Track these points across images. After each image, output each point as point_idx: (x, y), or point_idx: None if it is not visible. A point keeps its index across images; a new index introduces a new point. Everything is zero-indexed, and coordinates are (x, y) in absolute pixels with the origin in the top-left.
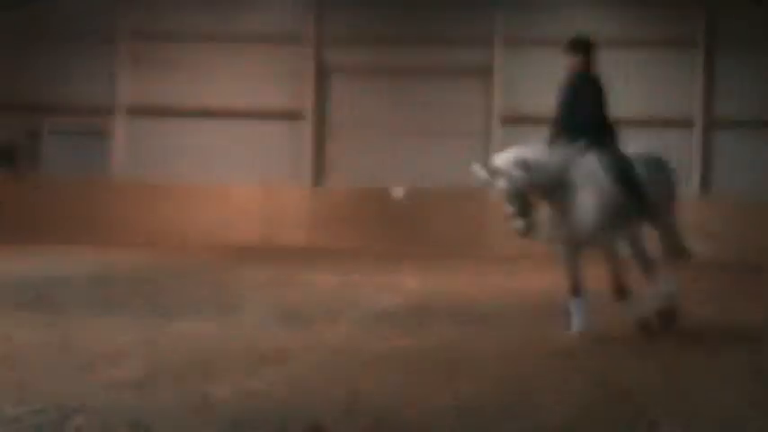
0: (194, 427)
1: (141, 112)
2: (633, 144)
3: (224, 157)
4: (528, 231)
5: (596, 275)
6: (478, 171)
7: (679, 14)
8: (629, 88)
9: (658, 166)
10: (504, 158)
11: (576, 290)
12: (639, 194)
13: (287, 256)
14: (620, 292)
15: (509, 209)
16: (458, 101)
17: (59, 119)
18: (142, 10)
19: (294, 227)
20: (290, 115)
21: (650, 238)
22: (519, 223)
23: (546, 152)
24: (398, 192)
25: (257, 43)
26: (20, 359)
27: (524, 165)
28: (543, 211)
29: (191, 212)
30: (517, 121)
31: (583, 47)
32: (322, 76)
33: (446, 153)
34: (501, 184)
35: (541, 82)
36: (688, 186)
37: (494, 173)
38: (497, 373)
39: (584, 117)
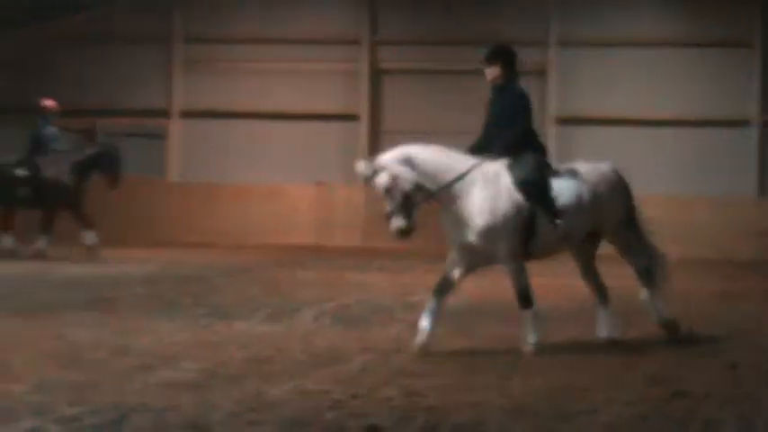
0: (250, 427)
1: (196, 114)
2: (688, 145)
3: (279, 159)
4: (405, 232)
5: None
6: (361, 165)
7: (735, 15)
8: (685, 88)
9: (610, 184)
10: (389, 154)
11: (440, 290)
12: (553, 212)
13: (341, 256)
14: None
15: (387, 206)
16: None
17: (114, 121)
18: (197, 13)
19: (348, 227)
20: (345, 116)
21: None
22: (395, 222)
23: (442, 153)
24: None
25: (312, 45)
26: (76, 359)
27: (409, 161)
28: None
29: (245, 213)
30: (572, 122)
31: (496, 58)
32: (376, 78)
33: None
34: (381, 179)
35: (596, 83)
36: (744, 187)
37: (376, 168)
38: (551, 374)
39: (495, 131)
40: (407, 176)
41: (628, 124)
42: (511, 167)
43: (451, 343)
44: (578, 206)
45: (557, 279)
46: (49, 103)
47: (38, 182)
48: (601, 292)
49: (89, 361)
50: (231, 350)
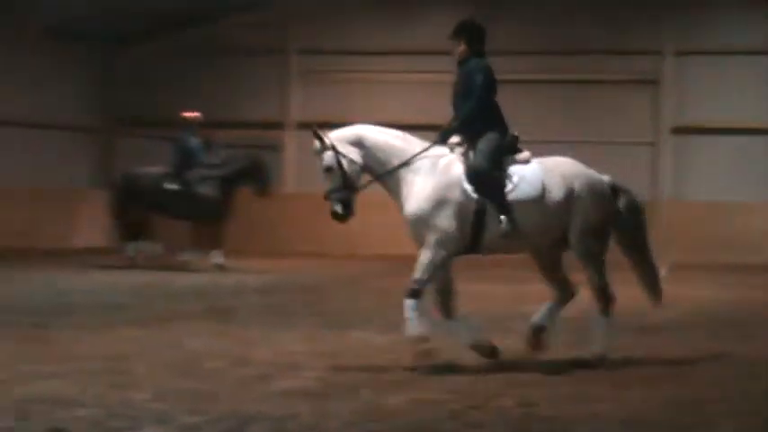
0: None
1: (310, 125)
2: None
3: None
4: (343, 215)
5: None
6: (316, 141)
7: None
8: None
9: (588, 184)
10: (341, 132)
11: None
12: (500, 206)
13: (459, 265)
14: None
15: (328, 186)
16: (626, 111)
17: (232, 133)
18: (313, 25)
19: None
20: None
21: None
22: (335, 203)
23: (397, 137)
24: None
25: (423, 56)
26: (195, 368)
27: (359, 142)
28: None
29: (359, 222)
30: (687, 132)
31: (460, 33)
32: None
33: (615, 163)
34: (326, 157)
35: (712, 92)
36: None
37: (324, 146)
38: (668, 385)
39: (457, 109)
40: (354, 157)
41: (745, 133)
42: (466, 155)
43: (566, 353)
44: (537, 202)
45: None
46: (192, 115)
47: (189, 197)
48: (562, 292)
49: (208, 370)
50: (348, 359)
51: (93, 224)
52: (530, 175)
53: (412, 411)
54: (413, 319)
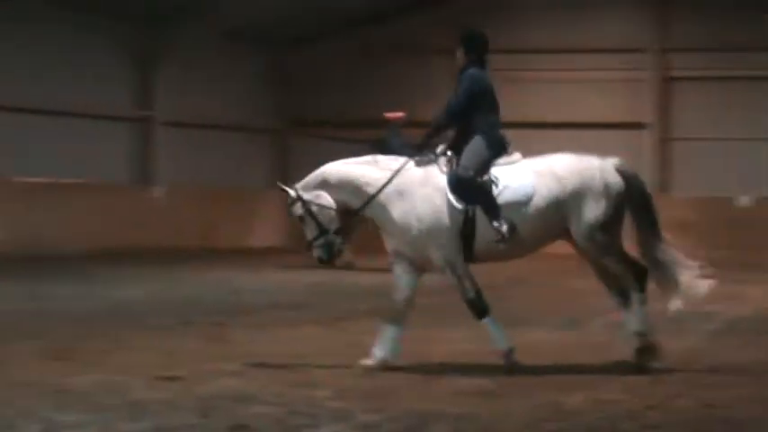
0: None
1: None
2: None
3: None
4: (326, 260)
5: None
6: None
7: None
8: None
9: (584, 180)
10: (305, 180)
11: (396, 318)
12: (492, 213)
13: None
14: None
15: (307, 235)
16: None
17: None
18: (488, 24)
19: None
20: (628, 125)
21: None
22: (317, 251)
23: (362, 165)
24: (744, 200)
25: (595, 54)
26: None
27: (325, 183)
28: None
29: None
30: None
31: (460, 43)
32: (664, 85)
33: None
34: (295, 209)
35: None
36: None
37: (292, 198)
38: None
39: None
40: (326, 201)
41: None
42: (449, 163)
43: (743, 355)
44: (526, 204)
45: None
46: (394, 115)
47: None
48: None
49: (387, 368)
50: (523, 358)
51: (269, 224)
52: (518, 176)
53: (589, 411)
54: (496, 332)
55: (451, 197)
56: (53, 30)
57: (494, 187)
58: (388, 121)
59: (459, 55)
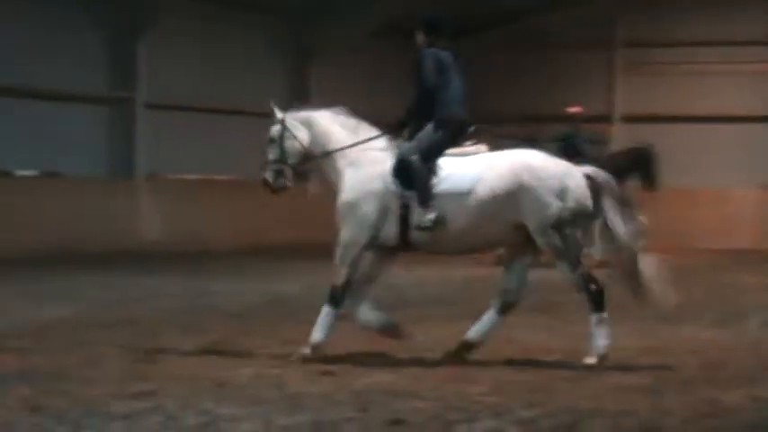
0: None
1: (638, 118)
2: None
3: (720, 162)
4: (275, 185)
5: None
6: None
7: None
8: None
9: (540, 177)
10: (297, 112)
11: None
12: (423, 202)
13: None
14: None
15: (266, 157)
16: None
17: (556, 128)
18: (639, 17)
19: None
20: None
21: None
22: (268, 173)
23: (348, 125)
24: None
25: (744, 46)
26: (529, 362)
27: (308, 123)
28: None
29: (689, 216)
30: None
31: (418, 26)
32: None
33: None
34: (273, 129)
35: None
36: None
37: (276, 119)
38: None
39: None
40: (301, 135)
41: None
42: (400, 147)
43: None
44: (466, 195)
45: None
46: (575, 109)
47: None
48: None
49: (542, 364)
50: (681, 355)
51: None
52: (464, 167)
53: (748, 408)
54: (323, 325)
55: (389, 180)
56: (222, 29)
57: (435, 175)
58: (570, 116)
59: (420, 38)
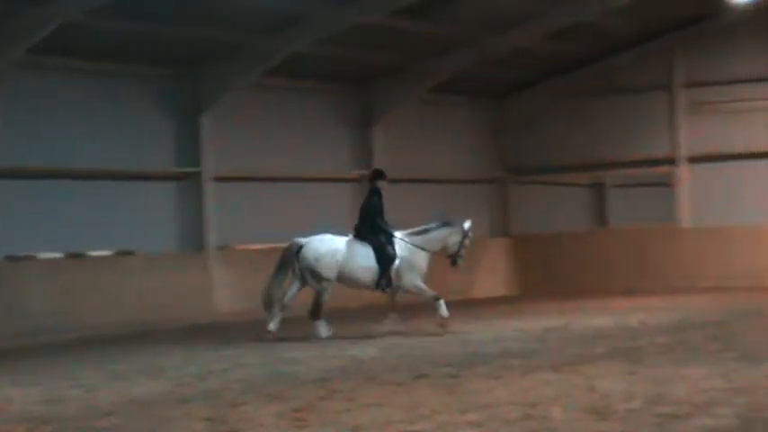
0: None
1: (702, 158)
2: None
3: None
4: None
5: None
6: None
7: None
8: None
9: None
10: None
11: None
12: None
13: None
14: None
15: None
16: None
17: (622, 173)
18: (697, 57)
19: None
20: None
21: None
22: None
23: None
24: None
25: None
26: (610, 410)
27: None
28: None
29: (759, 255)
30: None
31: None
32: None
33: None
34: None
35: None
36: None
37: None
38: None
39: None
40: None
41: None
42: None
43: None
44: None
45: None
46: None
47: None
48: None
49: (624, 411)
50: (765, 395)
51: (492, 274)
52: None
53: None
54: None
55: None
56: (283, 99)
57: None
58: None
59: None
